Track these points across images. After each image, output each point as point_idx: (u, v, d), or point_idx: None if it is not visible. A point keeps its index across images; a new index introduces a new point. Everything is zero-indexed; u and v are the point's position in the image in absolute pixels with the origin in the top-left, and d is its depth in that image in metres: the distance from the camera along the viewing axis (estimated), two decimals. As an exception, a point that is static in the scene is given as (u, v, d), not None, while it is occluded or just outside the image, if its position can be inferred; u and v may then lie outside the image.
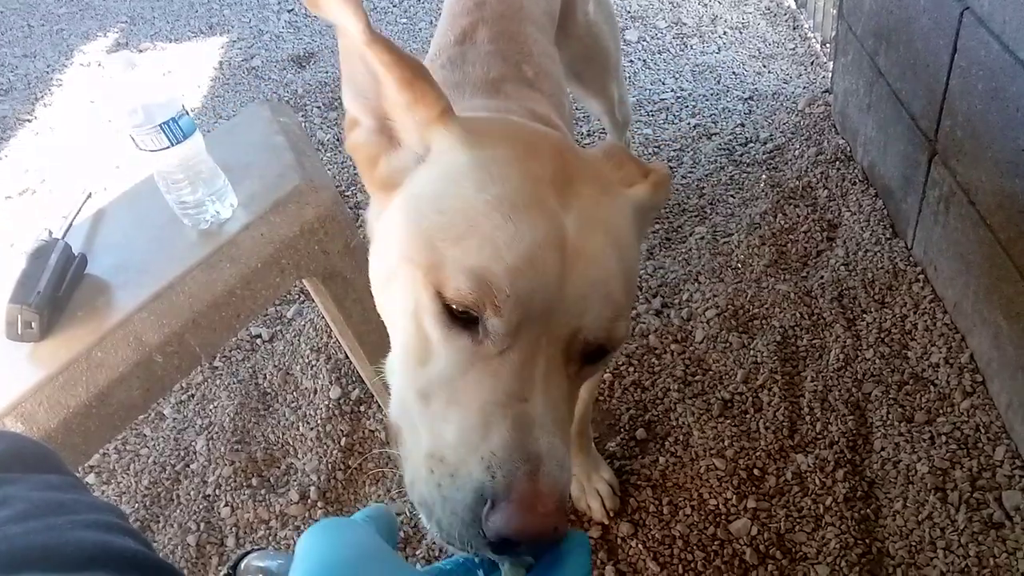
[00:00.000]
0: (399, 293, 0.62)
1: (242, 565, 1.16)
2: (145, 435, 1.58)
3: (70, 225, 1.11)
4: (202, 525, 1.40)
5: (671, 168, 2.06)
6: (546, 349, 0.58)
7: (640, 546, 1.28)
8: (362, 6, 0.62)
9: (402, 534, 1.33)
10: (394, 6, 3.10)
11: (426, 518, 0.56)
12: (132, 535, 0.55)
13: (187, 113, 1.02)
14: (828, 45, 2.35)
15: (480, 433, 0.54)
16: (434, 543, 1.28)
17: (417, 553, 1.31)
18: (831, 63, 2.18)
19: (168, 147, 1.00)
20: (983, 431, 1.33)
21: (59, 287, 1.01)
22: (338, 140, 2.35)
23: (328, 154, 2.29)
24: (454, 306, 0.57)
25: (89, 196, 1.18)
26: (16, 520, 0.53)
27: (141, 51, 3.04)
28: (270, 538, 1.37)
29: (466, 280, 0.56)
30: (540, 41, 1.18)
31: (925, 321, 1.51)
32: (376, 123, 0.69)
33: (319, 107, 2.52)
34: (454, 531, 0.53)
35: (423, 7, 3.07)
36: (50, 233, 1.08)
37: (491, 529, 0.50)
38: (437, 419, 0.57)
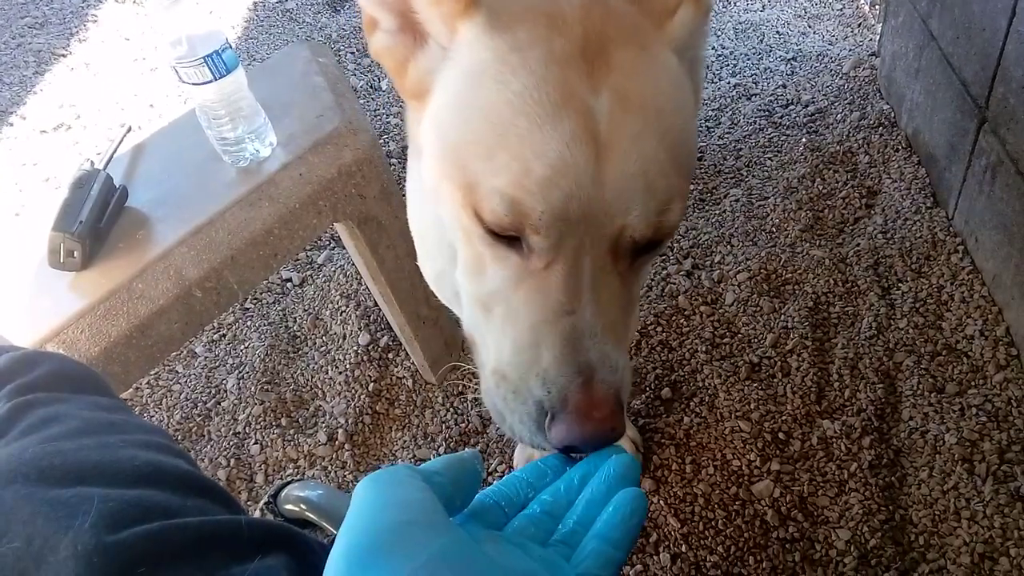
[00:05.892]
0: (446, 211, 0.61)
1: (282, 494, 1.18)
2: (177, 371, 1.61)
3: (111, 156, 1.12)
4: (232, 461, 1.43)
5: (707, 128, 2.03)
6: (591, 252, 0.56)
7: (662, 502, 1.29)
8: None
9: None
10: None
11: (500, 424, 0.60)
12: (181, 455, 0.56)
13: (230, 47, 1.01)
14: (877, 7, 2.27)
15: (533, 352, 0.56)
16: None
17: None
18: (879, 25, 2.11)
19: (211, 81, 1.00)
20: (1015, 405, 1.31)
21: (101, 218, 1.01)
22: (371, 87, 2.33)
23: (362, 100, 2.27)
24: (495, 228, 0.57)
25: (129, 129, 1.18)
26: (69, 436, 0.54)
27: (176, -11, 3.01)
28: (298, 476, 1.39)
29: (499, 203, 0.54)
30: None
31: (962, 292, 1.49)
32: (397, 20, 0.63)
33: (353, 52, 2.49)
34: (526, 437, 0.57)
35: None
36: (91, 164, 1.08)
37: (554, 438, 0.54)
38: (498, 333, 0.60)
